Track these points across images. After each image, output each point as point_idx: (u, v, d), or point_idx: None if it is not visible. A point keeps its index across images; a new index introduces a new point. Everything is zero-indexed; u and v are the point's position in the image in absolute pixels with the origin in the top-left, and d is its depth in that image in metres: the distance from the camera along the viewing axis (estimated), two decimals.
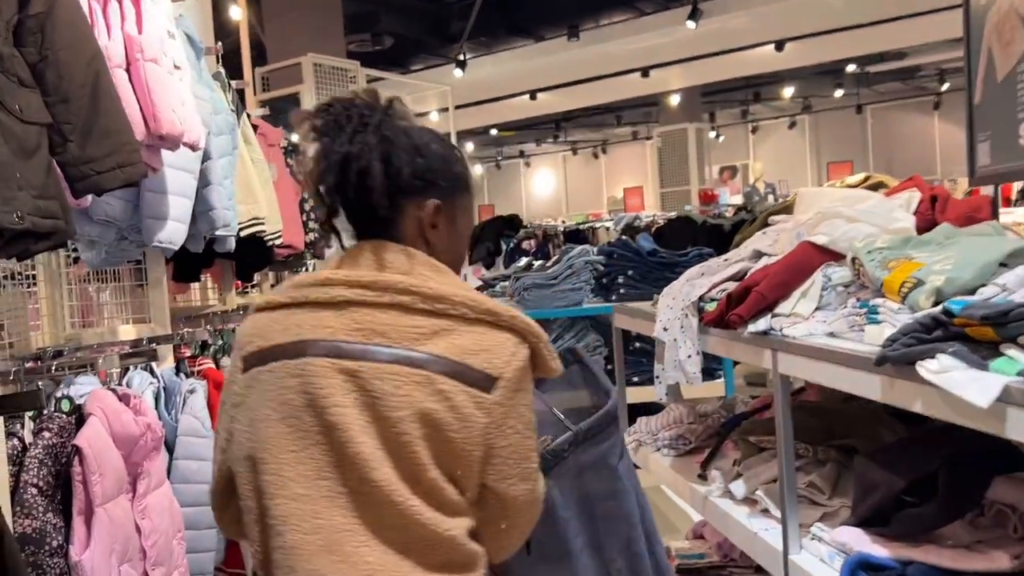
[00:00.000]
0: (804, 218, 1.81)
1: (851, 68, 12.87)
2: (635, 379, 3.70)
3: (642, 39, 10.38)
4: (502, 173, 20.36)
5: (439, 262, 1.23)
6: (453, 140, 9.77)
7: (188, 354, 3.04)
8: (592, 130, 17.31)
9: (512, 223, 7.81)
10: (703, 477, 2.09)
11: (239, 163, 3.23)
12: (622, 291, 3.71)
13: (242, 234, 3.28)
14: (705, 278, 1.95)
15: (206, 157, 2.69)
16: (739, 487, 1.86)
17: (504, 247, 7.50)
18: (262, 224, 3.42)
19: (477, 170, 20.20)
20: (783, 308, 1.60)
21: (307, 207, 5.49)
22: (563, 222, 9.41)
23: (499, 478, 1.15)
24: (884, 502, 1.37)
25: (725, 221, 6.98)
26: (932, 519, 1.31)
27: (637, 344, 3.74)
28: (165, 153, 2.33)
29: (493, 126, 14.88)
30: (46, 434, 1.95)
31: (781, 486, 1.58)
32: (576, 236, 7.51)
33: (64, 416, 2.05)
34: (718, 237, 6.81)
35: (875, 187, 1.99)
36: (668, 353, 1.92)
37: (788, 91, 14.19)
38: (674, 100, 13.15)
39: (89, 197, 2.06)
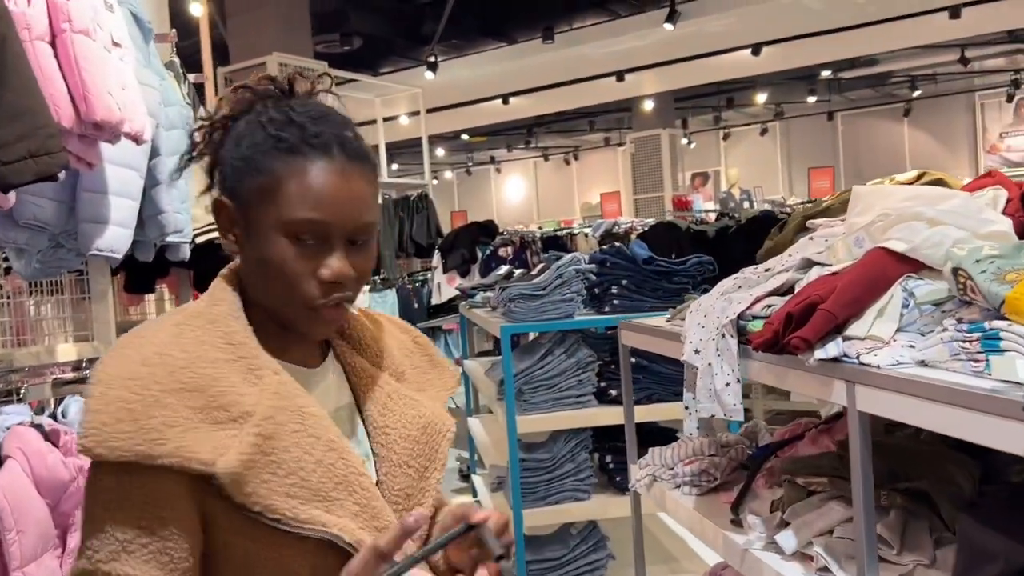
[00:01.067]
0: (863, 220, 1.53)
1: (825, 74, 12.77)
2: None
3: (618, 42, 10.16)
4: (473, 179, 20.06)
5: (255, 292, 1.02)
6: (424, 145, 9.47)
7: None
8: (564, 136, 17.08)
9: (487, 229, 7.52)
10: (737, 523, 1.80)
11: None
12: (616, 302, 3.43)
13: (198, 240, 2.95)
14: (743, 291, 1.66)
15: (155, 154, 2.35)
16: (788, 539, 1.57)
17: (480, 254, 7.21)
18: None
19: (447, 175, 19.89)
20: (856, 330, 1.31)
21: None
22: (539, 228, 9.14)
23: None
24: None
25: (709, 227, 6.76)
26: None
27: (633, 359, 3.45)
28: (105, 147, 2.00)
29: (464, 131, 14.58)
30: None
31: (860, 548, 1.29)
32: (554, 243, 7.24)
33: None
34: (703, 244, 6.60)
35: (934, 185, 1.72)
36: (701, 381, 1.63)
37: (761, 97, 14.07)
38: (648, 105, 12.96)
39: (12, 196, 1.73)
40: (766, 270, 1.68)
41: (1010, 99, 14.41)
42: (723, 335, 1.61)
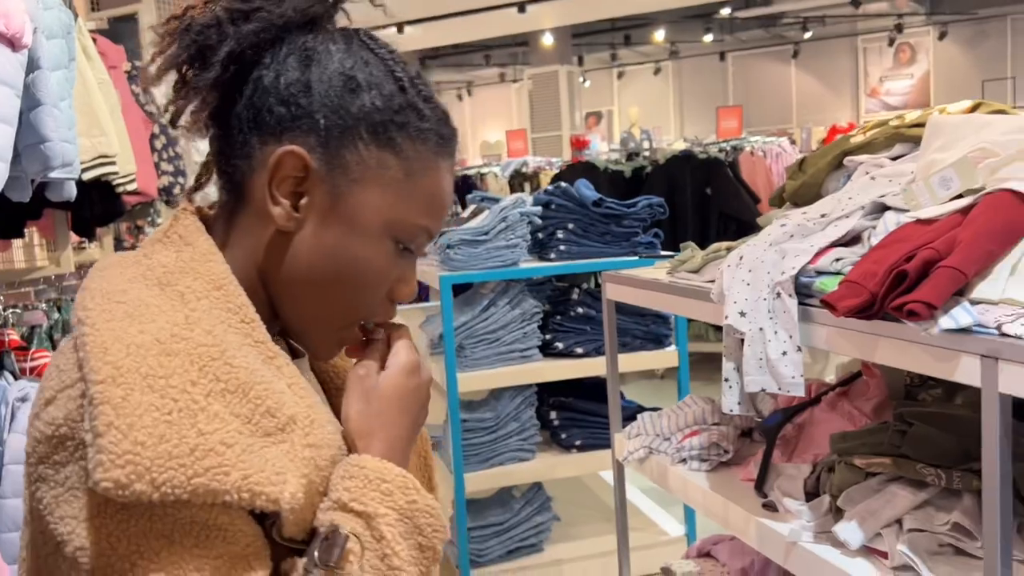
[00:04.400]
0: (948, 156, 1.29)
1: (724, 12, 12.71)
2: (578, 350, 3.16)
3: None
4: None
5: (295, 267, 0.76)
6: None
7: (14, 341, 2.21)
8: (457, 70, 16.49)
9: None
10: (769, 506, 1.57)
11: (79, 83, 2.39)
12: (562, 248, 3.14)
13: (86, 176, 2.46)
14: (798, 241, 1.39)
15: (33, 66, 1.87)
16: (852, 531, 1.34)
17: None
18: (112, 164, 2.59)
19: None
20: (986, 291, 1.07)
21: (159, 144, 4.58)
22: None
23: None
24: None
25: (624, 167, 6.56)
26: None
27: (580, 310, 3.20)
28: None
29: None
30: None
31: (991, 559, 1.07)
32: (464, 184, 6.87)
33: None
34: (621, 184, 6.40)
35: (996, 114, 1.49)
36: (750, 348, 1.36)
37: (659, 34, 13.94)
38: (548, 40, 12.59)
39: None
40: (822, 216, 1.41)
41: (891, 44, 14.84)
42: (778, 294, 1.35)
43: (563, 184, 3.28)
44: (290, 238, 0.75)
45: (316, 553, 0.67)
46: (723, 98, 15.88)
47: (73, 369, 0.65)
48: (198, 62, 0.75)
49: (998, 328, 1.02)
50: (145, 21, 6.79)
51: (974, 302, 1.07)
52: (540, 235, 3.20)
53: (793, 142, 7.47)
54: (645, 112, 15.57)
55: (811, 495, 1.53)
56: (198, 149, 7.04)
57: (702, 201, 5.76)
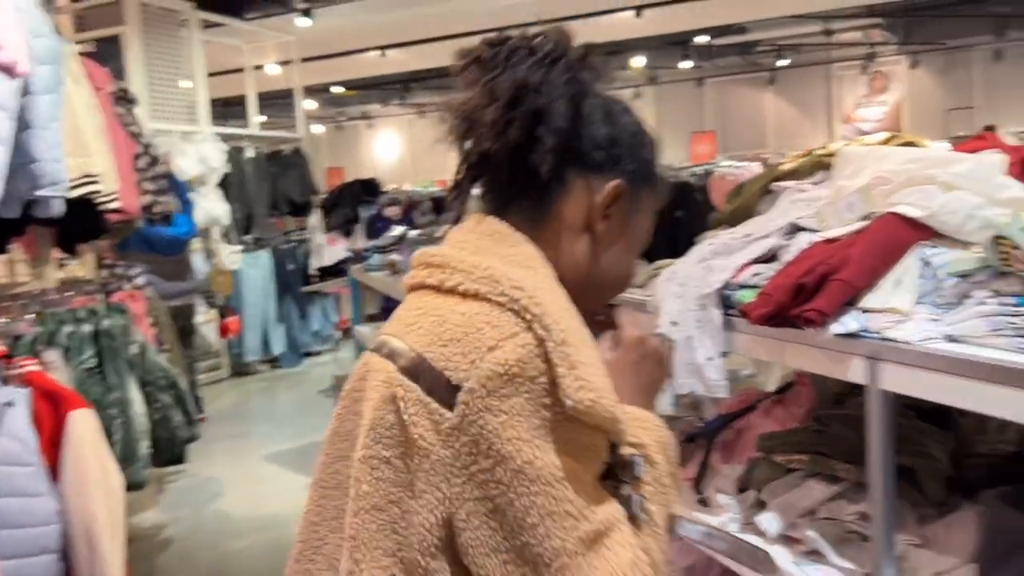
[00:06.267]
0: (855, 183, 1.44)
1: (700, 40, 12.99)
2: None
3: None
4: (344, 135, 19.39)
5: (595, 270, 0.96)
6: (298, 96, 8.98)
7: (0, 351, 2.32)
8: (441, 93, 16.60)
9: (371, 188, 7.21)
10: (703, 502, 1.71)
11: (66, 105, 2.52)
12: None
13: (72, 194, 2.58)
14: (723, 258, 1.54)
15: (25, 91, 2.00)
16: (771, 521, 1.48)
17: (363, 214, 6.88)
18: (96, 183, 2.72)
19: (318, 129, 19.13)
20: (872, 301, 1.22)
21: (142, 163, 4.69)
22: (421, 188, 8.87)
23: (467, 550, 0.79)
24: None
25: None
26: None
27: None
28: None
29: (338, 83, 14.00)
30: None
31: (879, 537, 1.21)
32: (442, 204, 7.01)
33: None
34: None
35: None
36: (681, 355, 1.51)
37: (637, 61, 14.21)
38: None
39: None
40: (745, 235, 1.57)
41: (864, 71, 15.20)
42: (704, 306, 1.50)
43: None
44: (591, 246, 0.95)
45: (627, 473, 0.88)
46: (701, 123, 16.16)
47: (511, 324, 0.80)
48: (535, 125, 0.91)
49: (880, 333, 1.17)
50: (129, 45, 6.93)
51: (863, 310, 1.22)
52: None
53: (768, 167, 7.67)
54: None
55: (742, 491, 1.67)
56: (181, 170, 7.14)
57: (671, 223, 5.93)
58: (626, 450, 0.88)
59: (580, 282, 0.93)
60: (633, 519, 0.87)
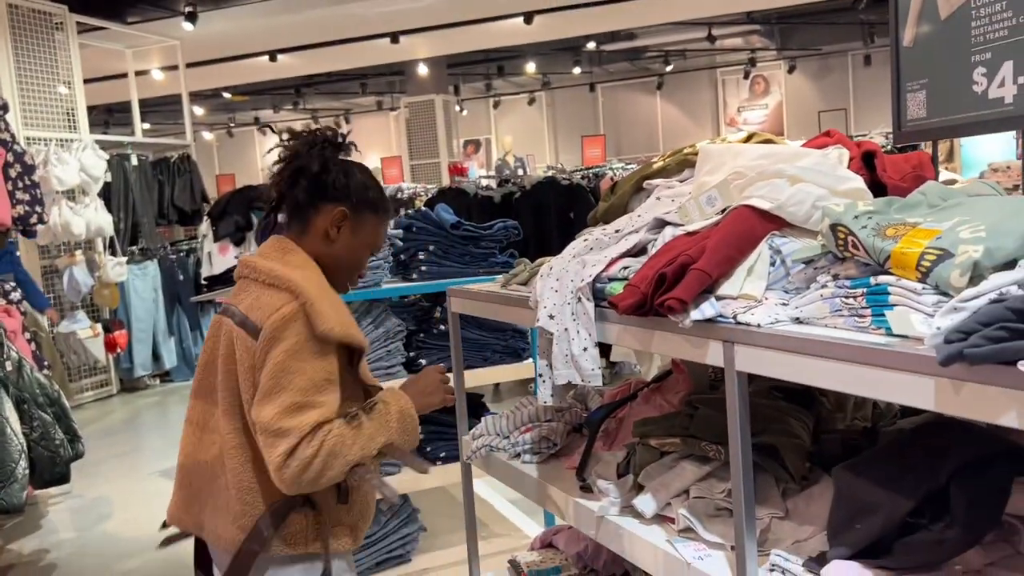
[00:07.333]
0: (713, 179, 1.53)
1: (589, 46, 13.27)
2: (441, 366, 3.31)
3: (391, 2, 9.89)
4: (235, 141, 18.90)
5: (321, 258, 1.68)
6: (185, 102, 8.73)
7: None
8: (334, 98, 16.49)
9: (262, 194, 7.05)
10: (586, 488, 1.78)
11: None
12: (423, 268, 3.31)
13: None
14: (596, 253, 1.61)
15: None
16: (647, 503, 1.56)
17: (255, 221, 6.74)
18: None
19: (206, 136, 18.56)
20: (727, 289, 1.30)
21: (13, 173, 4.49)
22: None
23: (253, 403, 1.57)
24: (887, 528, 1.12)
25: (495, 193, 6.80)
26: (953, 546, 1.08)
27: (443, 327, 3.36)
28: None
29: (226, 88, 13.63)
30: None
31: (739, 508, 1.29)
32: None
33: None
34: (490, 208, 6.63)
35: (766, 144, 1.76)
36: (557, 347, 1.56)
37: (530, 66, 14.40)
38: (423, 69, 12.81)
39: None
40: (616, 231, 1.64)
41: (746, 76, 15.84)
42: (579, 299, 1.56)
43: (423, 208, 3.45)
44: (332, 245, 1.68)
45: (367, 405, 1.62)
46: (594, 127, 16.49)
47: (286, 298, 1.55)
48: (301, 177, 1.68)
49: (734, 318, 1.25)
50: (0, 47, 6.59)
51: (719, 297, 1.30)
52: (402, 256, 3.36)
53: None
54: (520, 140, 15.99)
55: (622, 476, 1.74)
56: (59, 179, 6.81)
57: (566, 223, 6.06)
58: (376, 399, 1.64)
59: (330, 267, 1.67)
60: (351, 421, 1.56)
